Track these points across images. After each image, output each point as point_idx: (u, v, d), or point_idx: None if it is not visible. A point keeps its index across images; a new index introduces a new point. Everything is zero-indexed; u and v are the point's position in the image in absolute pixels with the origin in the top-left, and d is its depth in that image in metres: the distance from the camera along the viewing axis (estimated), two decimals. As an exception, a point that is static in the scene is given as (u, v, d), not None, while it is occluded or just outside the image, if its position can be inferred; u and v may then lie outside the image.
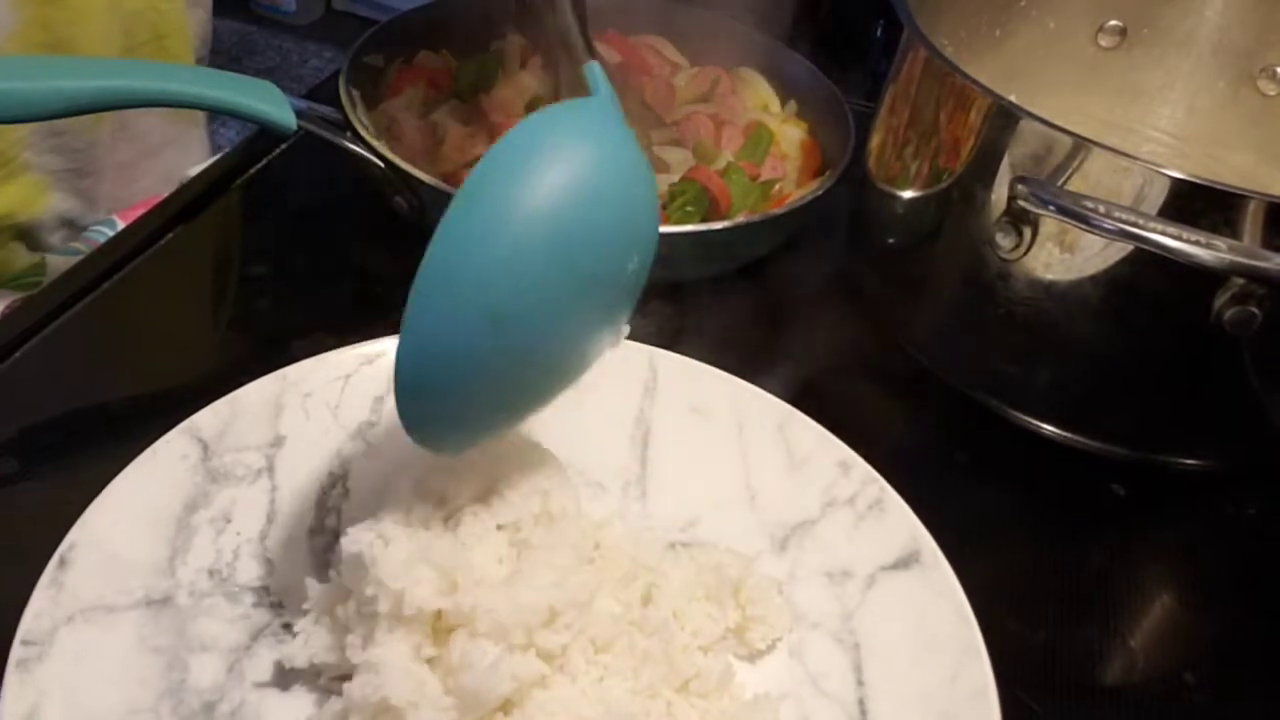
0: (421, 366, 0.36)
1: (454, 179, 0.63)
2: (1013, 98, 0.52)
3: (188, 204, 0.66)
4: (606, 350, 0.41)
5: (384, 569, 0.39)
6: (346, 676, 0.40)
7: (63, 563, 0.41)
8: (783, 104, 0.76)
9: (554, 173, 0.36)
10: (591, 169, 0.37)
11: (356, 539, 0.41)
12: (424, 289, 0.35)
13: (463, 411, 0.38)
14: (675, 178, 0.66)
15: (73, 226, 0.74)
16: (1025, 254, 0.52)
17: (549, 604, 0.40)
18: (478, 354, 0.36)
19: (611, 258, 0.38)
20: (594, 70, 0.40)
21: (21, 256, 0.72)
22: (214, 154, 0.80)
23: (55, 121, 0.68)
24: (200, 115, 0.84)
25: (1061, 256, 0.52)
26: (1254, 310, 0.48)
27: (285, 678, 0.42)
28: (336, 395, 0.50)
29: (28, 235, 0.72)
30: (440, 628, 0.40)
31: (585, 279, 0.37)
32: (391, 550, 0.40)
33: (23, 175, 0.69)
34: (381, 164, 0.62)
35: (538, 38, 0.73)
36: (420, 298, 0.35)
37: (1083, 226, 0.47)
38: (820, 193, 0.65)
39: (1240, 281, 0.48)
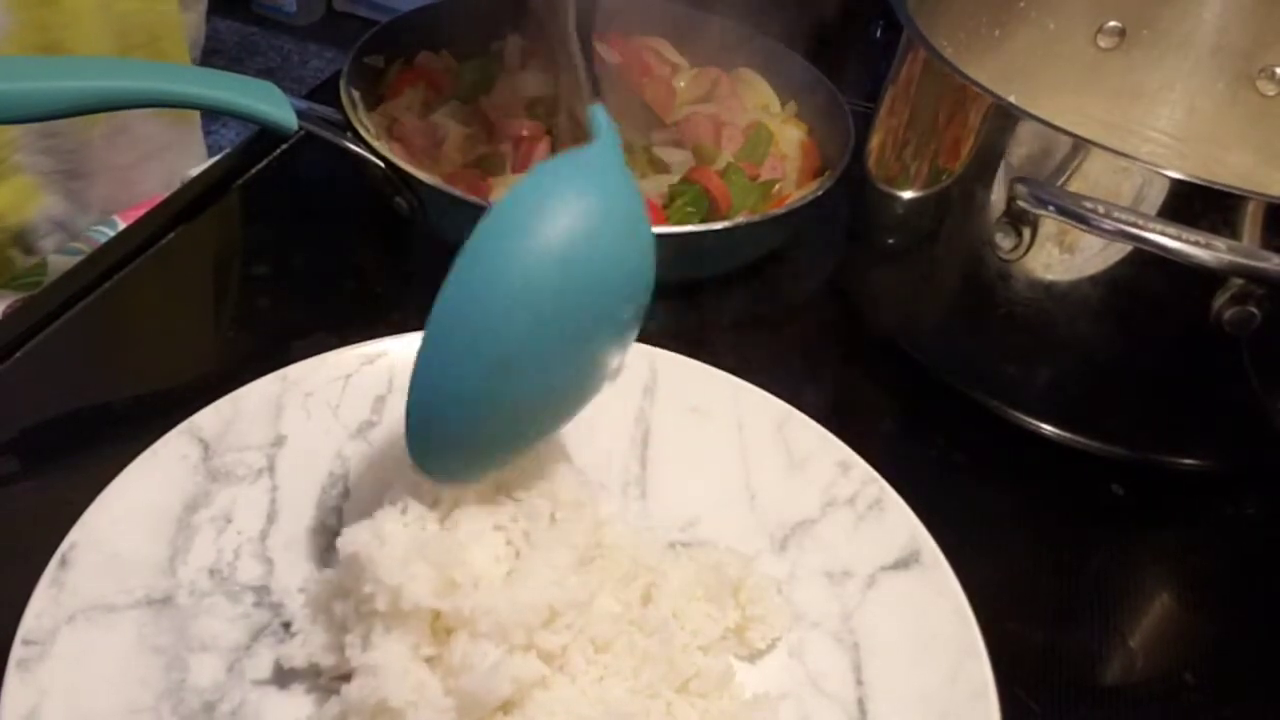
0: (432, 409, 0.39)
1: (454, 180, 0.63)
2: (1012, 98, 0.52)
3: (188, 204, 0.66)
4: (603, 387, 0.43)
5: (380, 567, 0.39)
6: (347, 675, 0.40)
7: (64, 562, 0.41)
8: (782, 104, 0.76)
9: (558, 226, 0.38)
10: (593, 221, 0.39)
11: (353, 539, 0.41)
12: (434, 336, 0.37)
13: (470, 448, 0.41)
14: (675, 178, 0.67)
15: (65, 230, 0.74)
16: (1025, 254, 0.52)
17: (549, 604, 0.40)
18: (485, 397, 0.39)
19: (611, 305, 0.40)
20: (598, 114, 0.42)
21: (17, 260, 0.72)
22: (212, 155, 0.80)
23: (48, 123, 0.68)
24: (196, 119, 0.84)
25: (1061, 257, 0.52)
26: (1253, 310, 0.48)
27: (285, 677, 0.42)
28: (337, 395, 0.50)
29: (21, 239, 0.72)
30: (439, 627, 0.40)
31: (586, 325, 0.40)
32: (388, 549, 0.40)
33: (14, 177, 0.69)
34: (382, 164, 0.62)
35: (538, 39, 0.73)
36: (431, 344, 0.38)
37: (1082, 227, 0.47)
38: (820, 193, 0.66)
39: (1239, 282, 0.48)
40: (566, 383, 0.42)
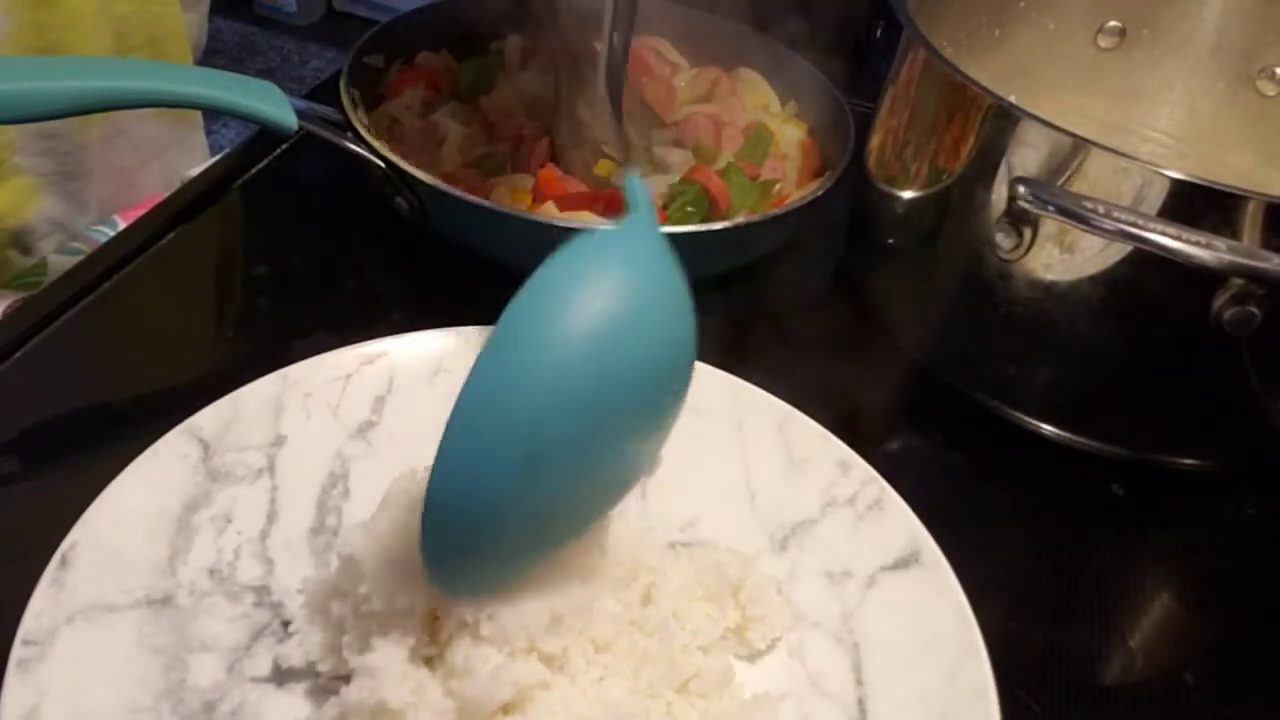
0: (452, 512, 0.35)
1: (454, 180, 0.63)
2: (1012, 98, 0.52)
3: (188, 204, 0.66)
4: (641, 480, 0.40)
5: (376, 567, 0.39)
6: (347, 675, 0.40)
7: (64, 562, 0.41)
8: (783, 104, 0.76)
9: (591, 310, 0.35)
10: (630, 302, 0.36)
11: (349, 540, 0.41)
12: (456, 431, 0.34)
13: (493, 557, 0.38)
14: (675, 178, 0.67)
15: (64, 230, 0.74)
16: (1025, 254, 0.52)
17: (551, 608, 0.40)
18: (510, 497, 0.36)
19: (649, 392, 0.37)
20: (634, 183, 0.39)
21: (15, 260, 0.72)
22: (212, 155, 0.80)
23: (46, 124, 0.68)
24: (198, 119, 0.84)
25: (1061, 257, 0.52)
26: (1253, 310, 0.48)
27: (285, 677, 0.42)
28: (337, 395, 0.50)
29: (19, 239, 0.72)
30: (438, 627, 0.40)
31: (622, 416, 0.37)
32: (384, 550, 0.40)
33: (14, 178, 0.69)
34: (382, 164, 0.62)
35: (538, 39, 0.73)
36: (452, 440, 0.34)
37: (1082, 227, 0.47)
38: (820, 193, 0.65)
39: (1239, 282, 0.48)
40: (601, 479, 0.39)
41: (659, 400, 0.38)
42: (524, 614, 0.39)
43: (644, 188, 0.38)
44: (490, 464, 0.35)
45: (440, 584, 0.38)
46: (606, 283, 0.36)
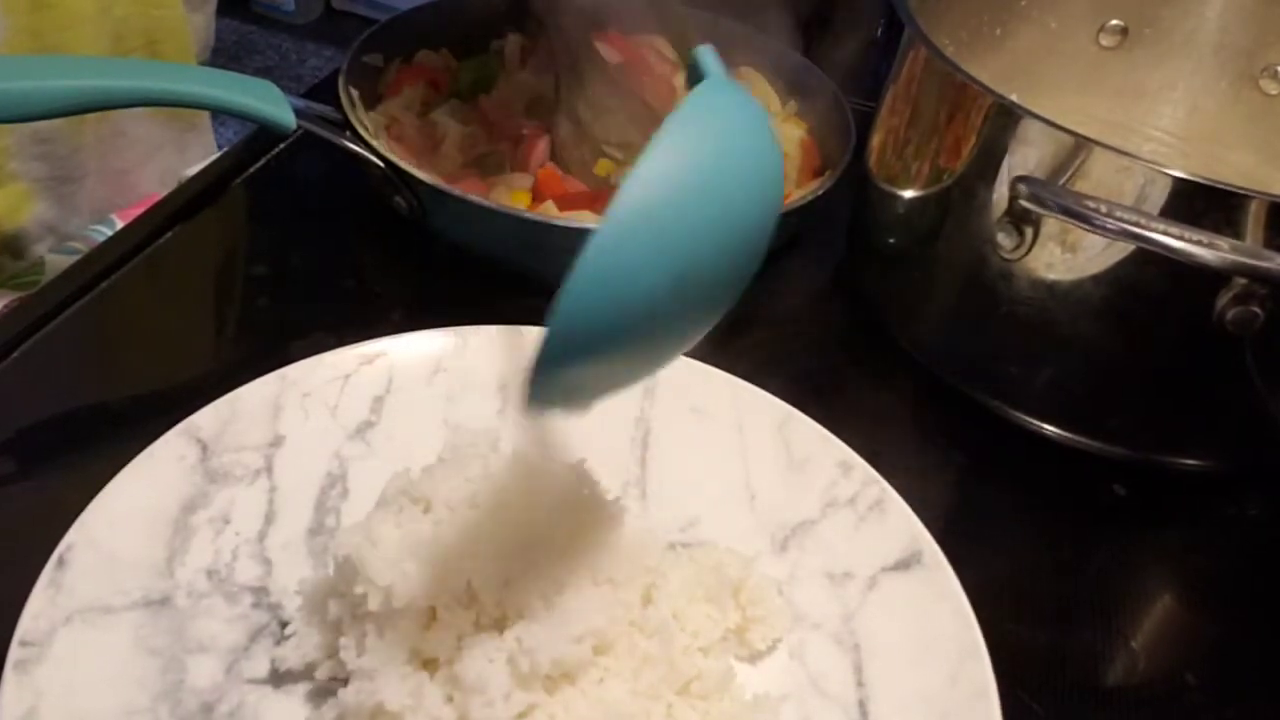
0: (588, 313, 0.33)
1: (454, 179, 0.63)
2: (1014, 97, 0.52)
3: (186, 203, 0.66)
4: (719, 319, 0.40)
5: (372, 568, 0.39)
6: (345, 677, 0.40)
7: (61, 563, 0.40)
8: (783, 104, 0.76)
9: (737, 136, 0.36)
10: (756, 139, 0.37)
11: (345, 541, 0.41)
12: (612, 236, 0.32)
13: (608, 367, 0.36)
14: (675, 177, 0.66)
15: (56, 233, 0.73)
16: (1026, 254, 0.52)
17: (573, 635, 0.40)
18: (650, 310, 0.34)
19: (763, 224, 0.38)
20: (706, 54, 0.38)
21: (7, 265, 0.72)
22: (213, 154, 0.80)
23: (40, 129, 0.68)
24: (205, 118, 0.83)
25: (1063, 256, 0.52)
26: (1256, 310, 0.48)
27: (284, 678, 0.42)
28: (335, 395, 0.50)
29: (12, 244, 0.71)
30: (438, 628, 0.40)
31: (746, 247, 0.37)
32: (380, 549, 0.40)
33: (9, 184, 0.69)
34: (381, 164, 0.62)
35: (538, 38, 0.73)
36: (605, 246, 0.32)
37: (1084, 226, 0.47)
38: (820, 193, 0.65)
39: (1242, 281, 0.47)
40: (714, 305, 0.38)
41: (766, 232, 0.38)
42: (542, 640, 0.39)
43: (717, 59, 0.38)
44: (640, 274, 0.33)
45: (541, 396, 0.36)
46: (739, 115, 0.37)
